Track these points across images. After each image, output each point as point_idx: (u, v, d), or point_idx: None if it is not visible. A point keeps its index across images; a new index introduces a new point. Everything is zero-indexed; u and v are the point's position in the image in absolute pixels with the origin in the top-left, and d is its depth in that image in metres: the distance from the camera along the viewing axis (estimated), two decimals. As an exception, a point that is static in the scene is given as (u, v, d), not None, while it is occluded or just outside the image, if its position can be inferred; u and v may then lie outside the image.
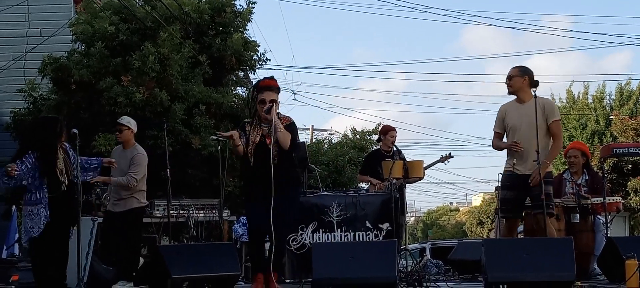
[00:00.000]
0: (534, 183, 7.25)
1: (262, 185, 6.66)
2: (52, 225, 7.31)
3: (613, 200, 8.58)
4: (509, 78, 7.65)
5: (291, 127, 6.90)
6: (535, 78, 7.63)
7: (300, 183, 7.47)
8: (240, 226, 10.27)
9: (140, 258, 9.14)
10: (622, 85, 29.81)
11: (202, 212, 10.03)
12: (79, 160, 7.51)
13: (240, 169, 7.10)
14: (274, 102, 6.81)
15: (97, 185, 8.93)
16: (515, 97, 7.62)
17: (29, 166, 7.26)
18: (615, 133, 25.75)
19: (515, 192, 7.52)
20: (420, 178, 9.39)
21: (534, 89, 7.56)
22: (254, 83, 7.04)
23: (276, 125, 6.70)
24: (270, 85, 6.90)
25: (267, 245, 6.91)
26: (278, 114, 6.87)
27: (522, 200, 7.56)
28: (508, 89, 7.66)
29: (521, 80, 7.58)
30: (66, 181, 7.37)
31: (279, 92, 7.04)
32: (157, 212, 9.69)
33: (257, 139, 6.82)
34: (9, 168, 7.01)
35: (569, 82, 30.95)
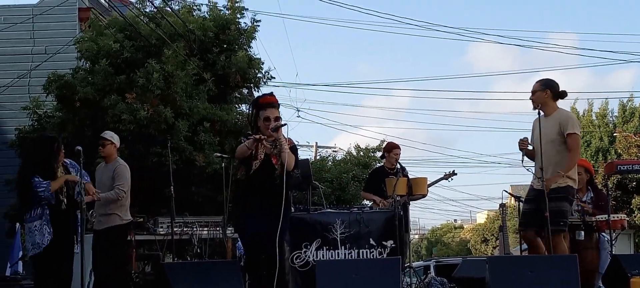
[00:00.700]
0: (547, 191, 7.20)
1: (261, 201, 6.59)
2: (55, 242, 7.32)
3: (617, 217, 8.56)
4: (532, 93, 7.65)
5: (294, 149, 6.86)
6: (562, 89, 7.62)
7: (291, 204, 7.37)
8: (244, 243, 10.25)
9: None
10: (625, 102, 29.80)
11: (205, 229, 10.02)
12: (83, 178, 7.54)
13: (238, 181, 6.97)
14: (279, 119, 6.73)
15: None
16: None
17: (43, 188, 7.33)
18: (619, 150, 25.74)
19: (531, 205, 7.55)
20: (424, 196, 9.38)
21: (560, 100, 7.58)
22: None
23: (283, 145, 6.60)
24: (272, 102, 6.79)
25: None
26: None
27: (538, 214, 7.47)
28: (532, 104, 7.64)
29: (543, 94, 7.57)
30: (65, 199, 7.39)
31: (279, 107, 6.99)
32: (161, 229, 9.69)
33: (262, 156, 6.70)
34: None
35: (574, 99, 30.87)
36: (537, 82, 7.68)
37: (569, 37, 77.56)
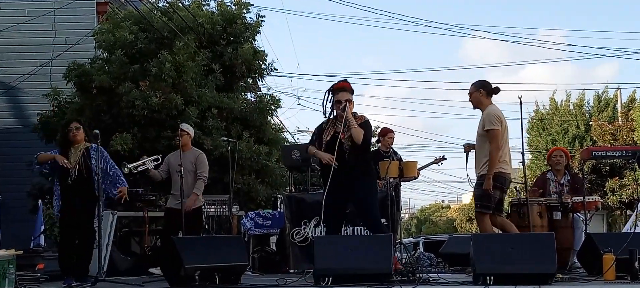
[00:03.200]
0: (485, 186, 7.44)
1: (333, 176, 6.87)
2: (65, 211, 7.45)
3: (592, 199, 8.57)
4: (469, 95, 7.79)
5: (365, 124, 7.10)
6: (494, 86, 7.74)
7: (374, 176, 7.55)
8: (248, 220, 10.26)
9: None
10: (600, 93, 29.79)
11: (213, 207, 10.03)
12: (110, 171, 7.75)
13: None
14: (349, 101, 7.05)
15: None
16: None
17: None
18: (594, 137, 25.75)
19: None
20: (415, 178, 9.37)
21: (494, 96, 7.70)
22: (328, 88, 7.29)
23: (350, 122, 6.92)
24: (343, 87, 7.14)
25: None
26: (353, 113, 7.10)
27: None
28: (472, 105, 7.78)
29: (478, 94, 7.71)
30: (74, 175, 7.43)
31: (353, 92, 7.21)
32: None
33: (329, 136, 7.06)
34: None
35: (553, 90, 30.97)
36: (472, 85, 7.80)
37: (558, 33, 77.25)
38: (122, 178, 7.90)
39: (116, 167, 7.92)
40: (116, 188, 7.81)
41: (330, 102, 7.18)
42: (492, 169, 7.41)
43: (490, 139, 7.45)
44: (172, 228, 8.57)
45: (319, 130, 7.26)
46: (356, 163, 7.05)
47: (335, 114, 7.17)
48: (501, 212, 7.74)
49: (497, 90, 7.75)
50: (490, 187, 7.38)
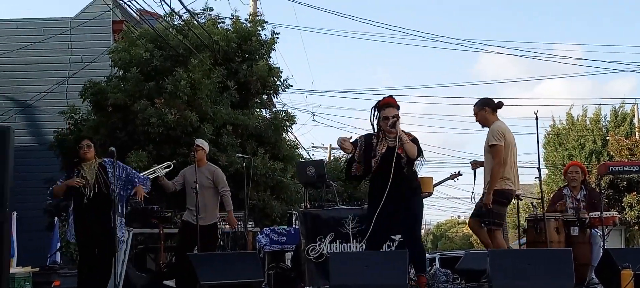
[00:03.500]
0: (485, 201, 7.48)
1: (388, 190, 6.84)
2: (85, 234, 7.45)
3: (610, 214, 8.51)
4: (475, 115, 7.83)
5: (415, 140, 7.11)
6: (497, 102, 7.78)
7: (420, 192, 7.53)
8: (263, 236, 10.26)
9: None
10: (617, 108, 29.66)
11: (228, 223, 10.04)
12: (122, 174, 7.73)
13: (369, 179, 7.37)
14: (397, 117, 7.02)
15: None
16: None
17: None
18: (611, 152, 25.58)
19: (478, 202, 7.77)
20: (430, 194, 9.35)
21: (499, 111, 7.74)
22: (374, 103, 7.24)
23: (402, 137, 6.92)
24: (389, 103, 7.12)
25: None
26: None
27: (480, 209, 7.73)
28: (480, 124, 7.82)
29: (483, 112, 7.75)
30: (90, 194, 7.46)
31: (399, 108, 7.22)
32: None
33: (384, 149, 7.02)
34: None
35: (570, 105, 30.83)
36: (475, 105, 7.85)
37: (573, 48, 76.82)
38: (137, 178, 7.89)
39: (133, 170, 7.99)
40: (131, 188, 7.84)
41: (376, 118, 7.16)
42: (492, 185, 7.42)
43: (493, 154, 7.47)
44: (187, 243, 8.59)
45: (368, 138, 7.17)
46: (413, 177, 7.12)
47: (381, 130, 7.12)
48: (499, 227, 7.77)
49: (500, 105, 7.79)
50: (489, 202, 7.37)
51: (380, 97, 7.21)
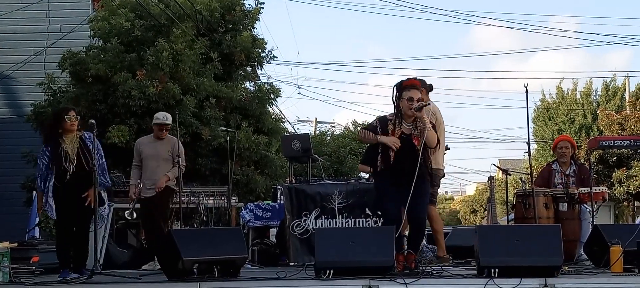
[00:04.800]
0: None
1: (401, 178, 6.73)
2: (65, 209, 7.39)
3: (599, 190, 8.57)
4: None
5: (435, 127, 7.00)
6: (429, 83, 7.95)
7: (432, 175, 7.40)
8: (247, 212, 10.27)
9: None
10: (608, 82, 29.75)
11: (211, 198, 10.05)
12: (100, 149, 7.63)
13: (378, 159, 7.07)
14: (421, 100, 6.83)
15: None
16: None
17: (46, 162, 7.54)
18: (601, 127, 25.72)
19: None
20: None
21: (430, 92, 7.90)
22: (397, 83, 7.01)
23: (426, 124, 6.75)
24: (414, 84, 6.93)
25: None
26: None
27: None
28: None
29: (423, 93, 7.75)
30: (72, 169, 7.39)
31: (427, 91, 7.09)
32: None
33: (399, 134, 6.83)
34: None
35: (560, 78, 31.00)
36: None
37: (570, 20, 76.43)
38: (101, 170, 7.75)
39: (103, 159, 7.82)
40: (107, 178, 7.86)
41: (397, 99, 6.92)
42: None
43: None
44: (150, 218, 8.63)
45: (383, 123, 6.96)
46: (426, 163, 6.92)
47: (400, 112, 6.90)
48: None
49: (431, 88, 7.96)
50: None
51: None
